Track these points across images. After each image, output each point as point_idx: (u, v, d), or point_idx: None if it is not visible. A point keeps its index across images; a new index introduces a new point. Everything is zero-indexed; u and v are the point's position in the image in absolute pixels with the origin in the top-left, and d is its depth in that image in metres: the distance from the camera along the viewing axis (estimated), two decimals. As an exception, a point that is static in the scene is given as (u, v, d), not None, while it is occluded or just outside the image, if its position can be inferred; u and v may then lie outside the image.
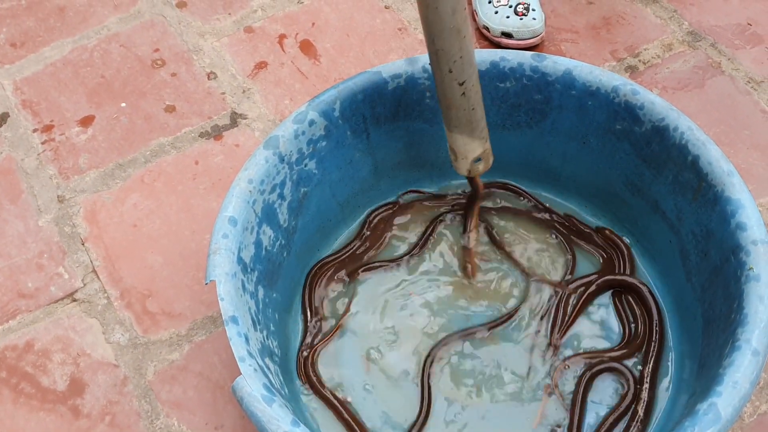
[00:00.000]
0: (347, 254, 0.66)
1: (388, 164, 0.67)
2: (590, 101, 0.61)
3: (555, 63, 0.61)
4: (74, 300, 0.66)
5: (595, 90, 0.60)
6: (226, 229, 0.55)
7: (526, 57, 0.61)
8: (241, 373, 0.49)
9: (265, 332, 0.57)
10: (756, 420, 0.58)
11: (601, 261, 0.64)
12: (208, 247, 0.54)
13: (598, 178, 0.65)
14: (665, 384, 0.58)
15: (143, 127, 0.76)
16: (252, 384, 0.49)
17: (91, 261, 0.68)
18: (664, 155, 0.59)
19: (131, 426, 0.60)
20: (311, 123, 0.60)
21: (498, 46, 0.79)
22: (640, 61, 0.78)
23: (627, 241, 0.65)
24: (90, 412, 0.61)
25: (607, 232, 0.65)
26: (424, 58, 0.61)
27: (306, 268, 0.65)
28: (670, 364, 0.59)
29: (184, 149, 0.74)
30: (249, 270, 0.57)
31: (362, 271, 0.65)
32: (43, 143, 0.75)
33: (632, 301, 0.62)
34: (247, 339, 0.52)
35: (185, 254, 0.68)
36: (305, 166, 0.61)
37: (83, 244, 0.69)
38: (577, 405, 0.57)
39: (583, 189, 0.66)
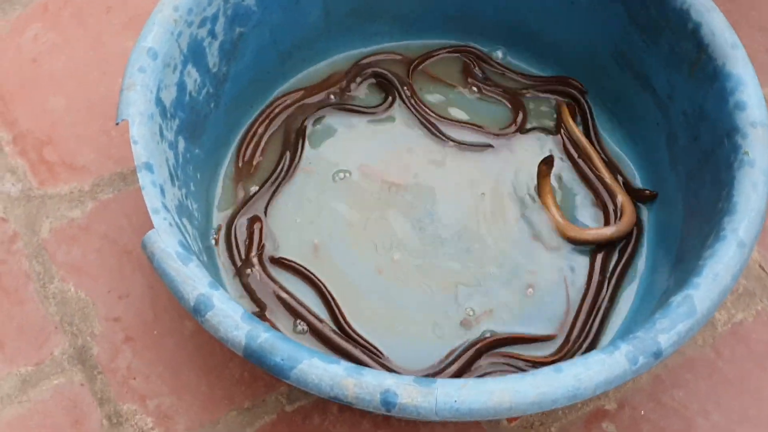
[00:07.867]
0: None
1: (342, 10, 0.61)
2: (582, -49, 0.56)
3: None
4: (-44, 141, 0.60)
5: (589, -62, 0.56)
6: (144, 61, 0.50)
7: None
8: (153, 228, 0.45)
9: (184, 190, 0.52)
10: (729, 329, 0.56)
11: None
12: (121, 88, 0.49)
13: (583, 46, 0.60)
14: (635, 280, 0.56)
15: (50, -53, 0.68)
16: (166, 239, 0.44)
17: (-22, 97, 0.61)
18: (662, 21, 0.55)
19: (19, 288, 0.55)
20: (252, -55, 0.54)
21: None
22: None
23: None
24: (-31, 271, 0.56)
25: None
26: None
27: (236, 127, 0.60)
28: (641, 261, 0.57)
29: (98, -24, 0.67)
30: (169, 115, 0.51)
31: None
32: (-75, -45, 0.67)
33: None
34: (162, 191, 0.47)
35: (93, 99, 0.62)
36: (243, 0, 0.55)
37: (-30, 78, 0.62)
38: None
39: (565, 59, 0.62)
